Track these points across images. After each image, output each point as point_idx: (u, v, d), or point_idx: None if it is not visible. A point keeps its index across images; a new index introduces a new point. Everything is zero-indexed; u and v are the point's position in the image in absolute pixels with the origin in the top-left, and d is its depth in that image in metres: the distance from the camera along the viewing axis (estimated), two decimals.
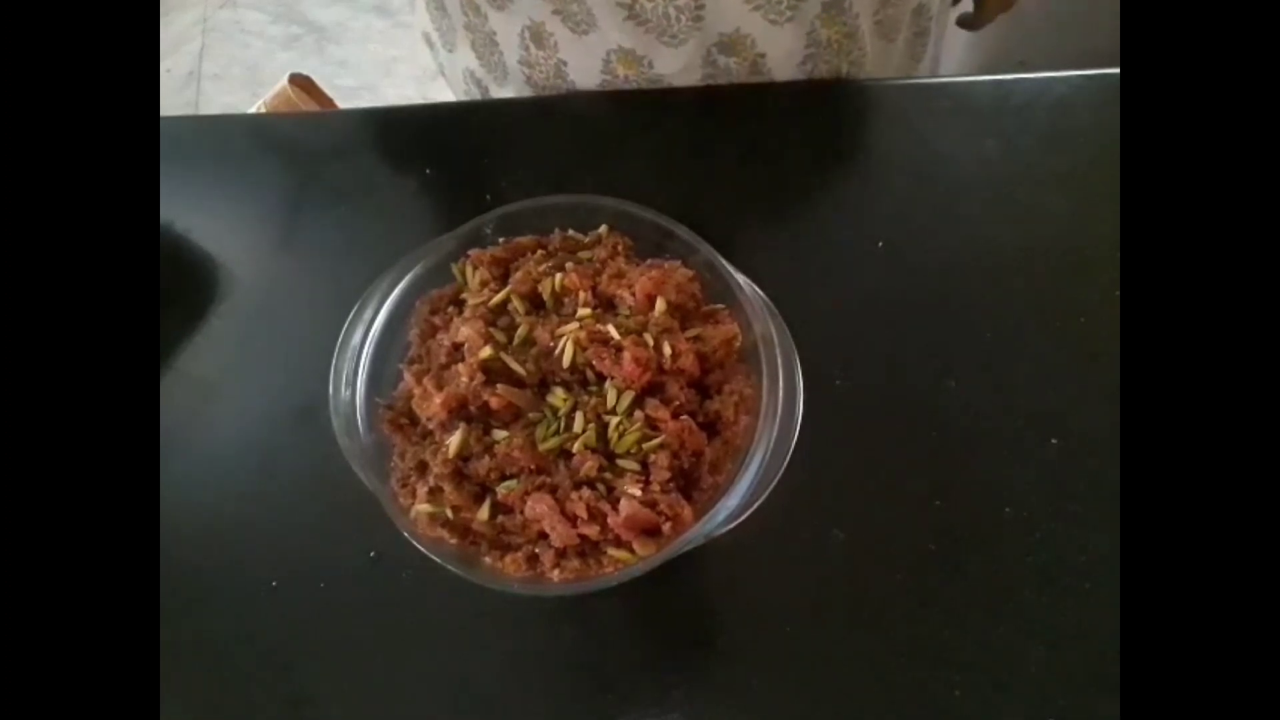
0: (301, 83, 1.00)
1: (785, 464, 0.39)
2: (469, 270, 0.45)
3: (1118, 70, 0.56)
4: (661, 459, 0.38)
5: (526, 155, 0.58)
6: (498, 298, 0.43)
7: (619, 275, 0.43)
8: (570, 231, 0.46)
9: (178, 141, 0.59)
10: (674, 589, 0.43)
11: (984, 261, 0.51)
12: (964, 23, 0.72)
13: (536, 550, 0.38)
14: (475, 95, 0.68)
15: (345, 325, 0.43)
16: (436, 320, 0.44)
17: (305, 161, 0.59)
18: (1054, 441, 0.45)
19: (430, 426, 0.41)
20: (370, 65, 1.78)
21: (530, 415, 0.40)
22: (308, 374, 0.45)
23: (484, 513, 0.38)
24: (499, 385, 0.39)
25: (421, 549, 0.38)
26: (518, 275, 0.43)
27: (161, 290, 0.46)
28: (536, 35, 0.58)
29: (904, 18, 0.62)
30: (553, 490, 0.38)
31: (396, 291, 0.44)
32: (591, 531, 0.37)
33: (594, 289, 0.43)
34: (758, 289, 0.43)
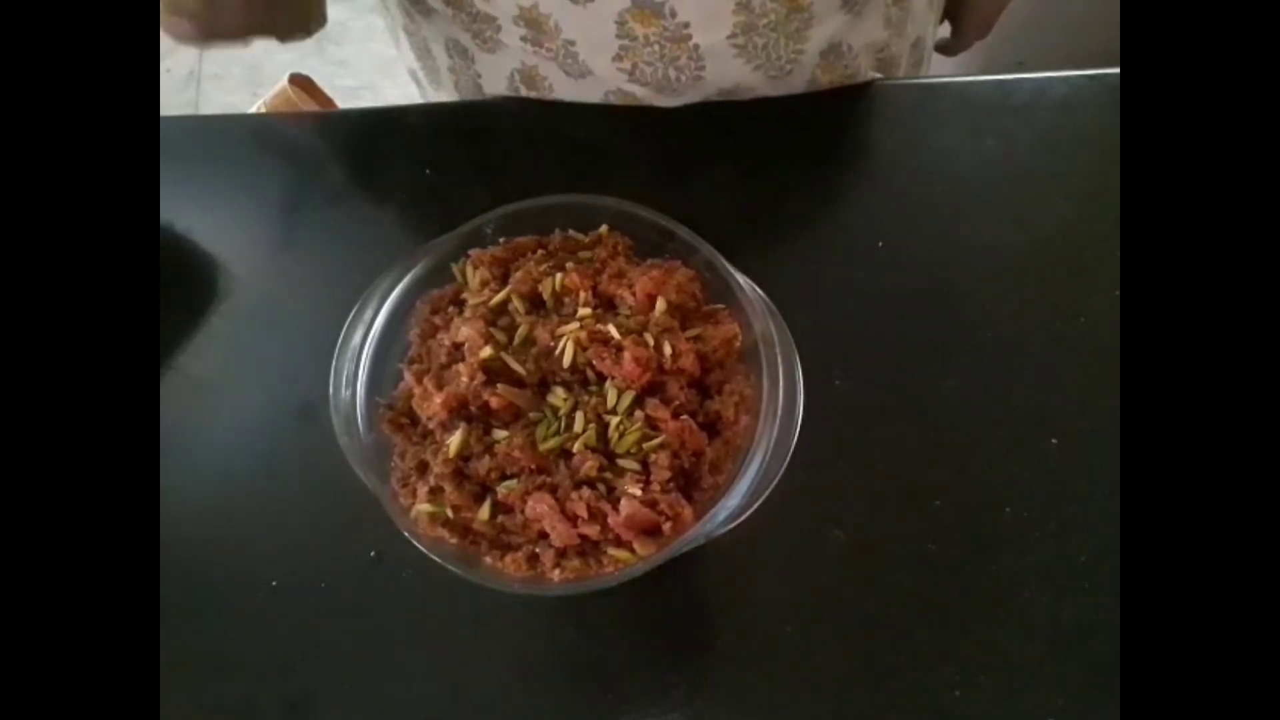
0: (301, 83, 1.00)
1: (785, 464, 0.39)
2: (469, 270, 0.45)
3: (1118, 70, 0.56)
4: (662, 459, 0.38)
5: (526, 155, 0.58)
6: (498, 298, 0.43)
7: (619, 275, 0.43)
8: (570, 231, 0.46)
9: (178, 141, 0.59)
10: (674, 589, 0.43)
11: (984, 261, 0.51)
12: (941, 48, 0.73)
13: (537, 550, 0.38)
14: None
15: (345, 325, 0.43)
16: (436, 320, 0.44)
17: (305, 161, 0.59)
18: (1054, 441, 0.45)
19: (430, 426, 0.41)
20: (370, 65, 1.77)
21: (530, 415, 0.40)
22: (308, 374, 0.45)
23: (484, 512, 0.38)
24: (499, 385, 0.39)
25: (421, 549, 0.38)
26: (518, 275, 0.43)
27: (161, 290, 0.46)
28: (529, 78, 0.58)
29: (904, 53, 0.62)
30: (553, 490, 0.38)
31: (396, 291, 0.44)
32: (592, 531, 0.37)
33: (594, 289, 0.43)
34: (758, 289, 0.43)
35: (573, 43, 0.54)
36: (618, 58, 0.54)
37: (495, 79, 0.60)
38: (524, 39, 0.55)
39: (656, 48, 0.53)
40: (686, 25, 0.52)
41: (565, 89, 0.58)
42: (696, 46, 0.53)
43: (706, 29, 0.52)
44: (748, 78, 0.56)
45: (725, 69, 0.55)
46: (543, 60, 0.56)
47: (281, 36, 0.53)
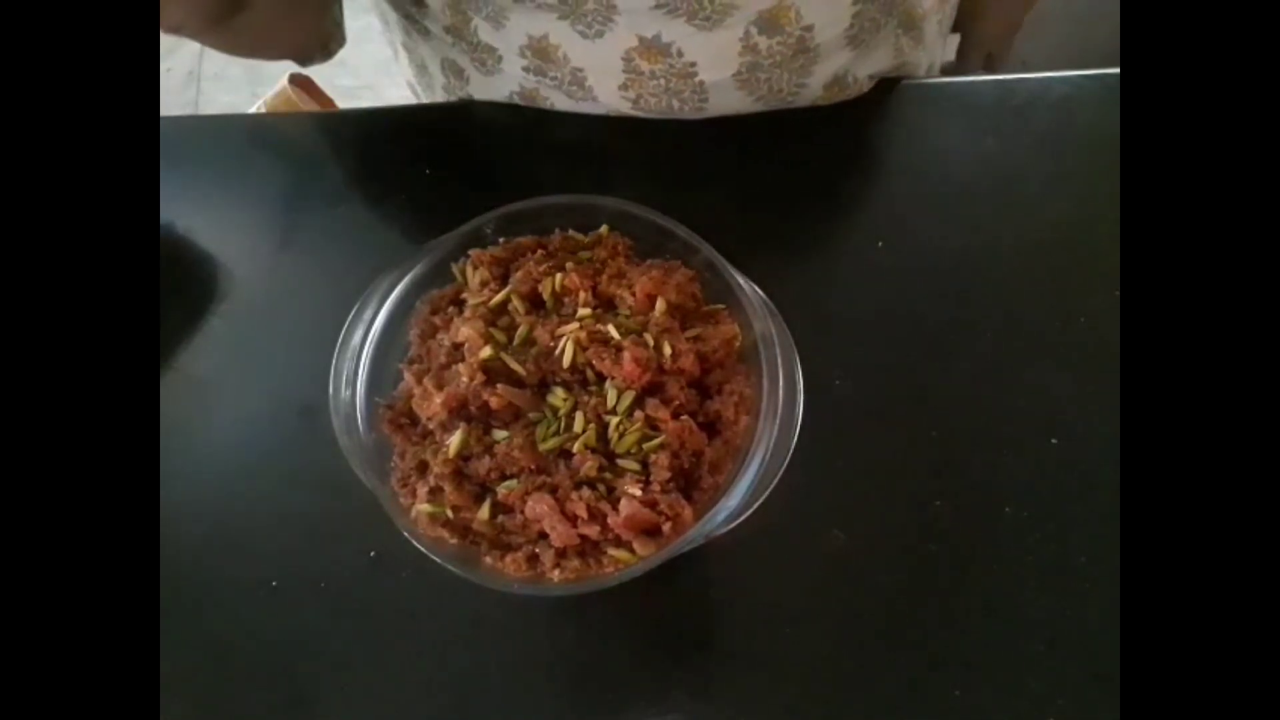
0: (301, 83, 1.00)
1: (785, 464, 0.39)
2: (469, 270, 0.45)
3: (1118, 70, 0.56)
4: (661, 459, 0.38)
5: (527, 155, 0.58)
6: (498, 298, 0.43)
7: (619, 275, 0.43)
8: (570, 231, 0.46)
9: (178, 141, 0.59)
10: (674, 589, 0.43)
11: (984, 261, 0.51)
12: (945, 72, 0.73)
13: (537, 550, 0.38)
14: None
15: (345, 325, 0.43)
16: (436, 320, 0.44)
17: (305, 161, 0.59)
18: (1054, 441, 0.45)
19: (430, 426, 0.41)
20: (370, 65, 1.77)
21: (530, 415, 0.40)
22: (308, 374, 0.45)
23: (484, 513, 0.38)
24: (499, 385, 0.39)
25: (421, 549, 0.38)
26: (518, 275, 0.43)
27: (161, 290, 0.46)
28: (528, 98, 0.58)
29: (919, 75, 0.63)
30: (553, 490, 0.38)
31: (396, 291, 0.44)
32: (591, 531, 0.37)
33: (594, 289, 0.43)
34: (758, 289, 0.43)
35: (580, 70, 0.54)
36: (624, 87, 0.55)
37: (493, 99, 0.60)
38: (526, 69, 0.55)
39: (662, 81, 0.54)
40: (693, 64, 0.52)
41: (567, 109, 0.58)
42: (701, 83, 0.54)
43: (712, 68, 0.53)
44: (750, 106, 0.56)
45: (728, 100, 0.55)
46: (544, 85, 0.56)
47: (302, 60, 0.54)
